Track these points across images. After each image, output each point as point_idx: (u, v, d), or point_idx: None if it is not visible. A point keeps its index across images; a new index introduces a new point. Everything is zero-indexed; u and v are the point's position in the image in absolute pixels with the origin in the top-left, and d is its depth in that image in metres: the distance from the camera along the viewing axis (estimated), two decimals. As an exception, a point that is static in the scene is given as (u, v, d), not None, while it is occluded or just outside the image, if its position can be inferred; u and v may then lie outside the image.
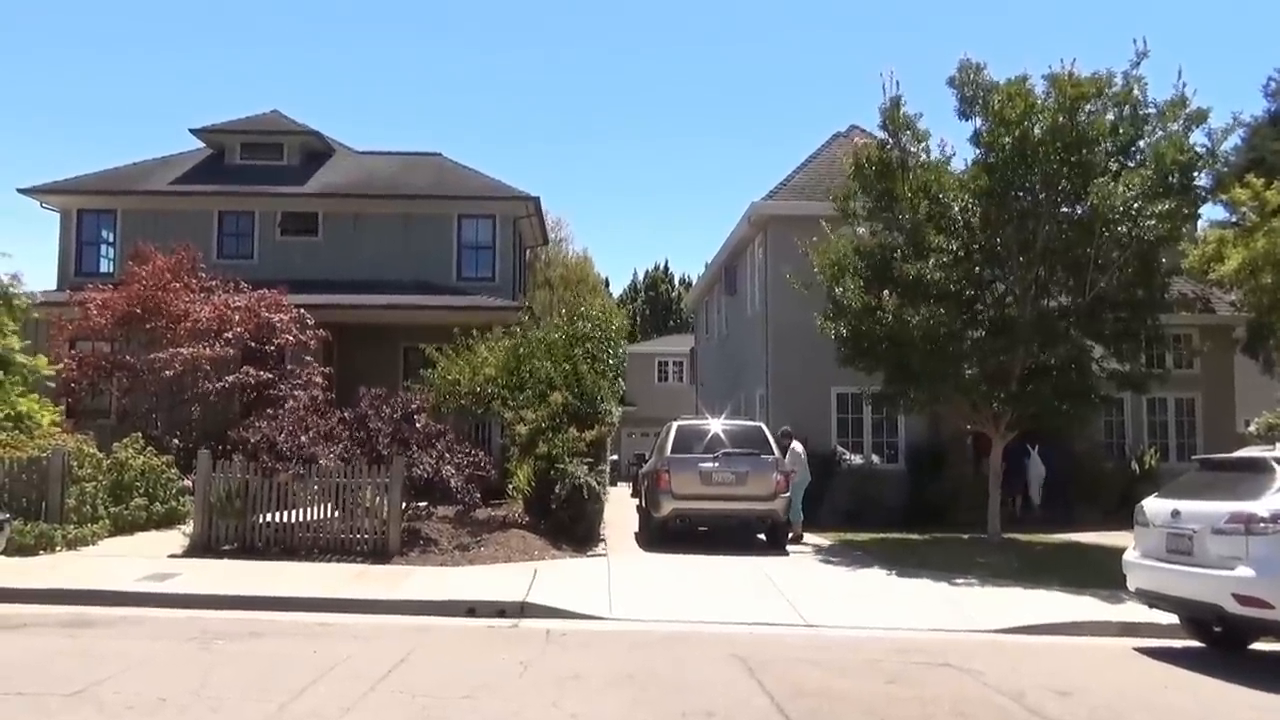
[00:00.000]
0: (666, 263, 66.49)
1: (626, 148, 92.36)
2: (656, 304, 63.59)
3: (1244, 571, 7.20)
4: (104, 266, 22.71)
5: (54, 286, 21.77)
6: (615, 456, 31.85)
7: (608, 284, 56.94)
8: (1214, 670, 7.44)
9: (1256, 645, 8.34)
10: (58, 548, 11.61)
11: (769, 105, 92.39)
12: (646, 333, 56.90)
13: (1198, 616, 8.21)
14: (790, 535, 14.87)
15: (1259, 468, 7.84)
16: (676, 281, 64.16)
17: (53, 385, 16.49)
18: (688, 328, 46.22)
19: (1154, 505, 8.49)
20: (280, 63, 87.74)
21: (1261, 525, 7.23)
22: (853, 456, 18.85)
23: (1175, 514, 8.04)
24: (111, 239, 23.00)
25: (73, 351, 17.94)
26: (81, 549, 11.81)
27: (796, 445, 15.78)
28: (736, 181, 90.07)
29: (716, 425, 15.24)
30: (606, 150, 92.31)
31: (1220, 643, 8.30)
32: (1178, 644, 8.49)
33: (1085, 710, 6.26)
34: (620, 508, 19.15)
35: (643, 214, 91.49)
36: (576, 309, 18.11)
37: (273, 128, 24.85)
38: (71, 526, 12.05)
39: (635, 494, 20.74)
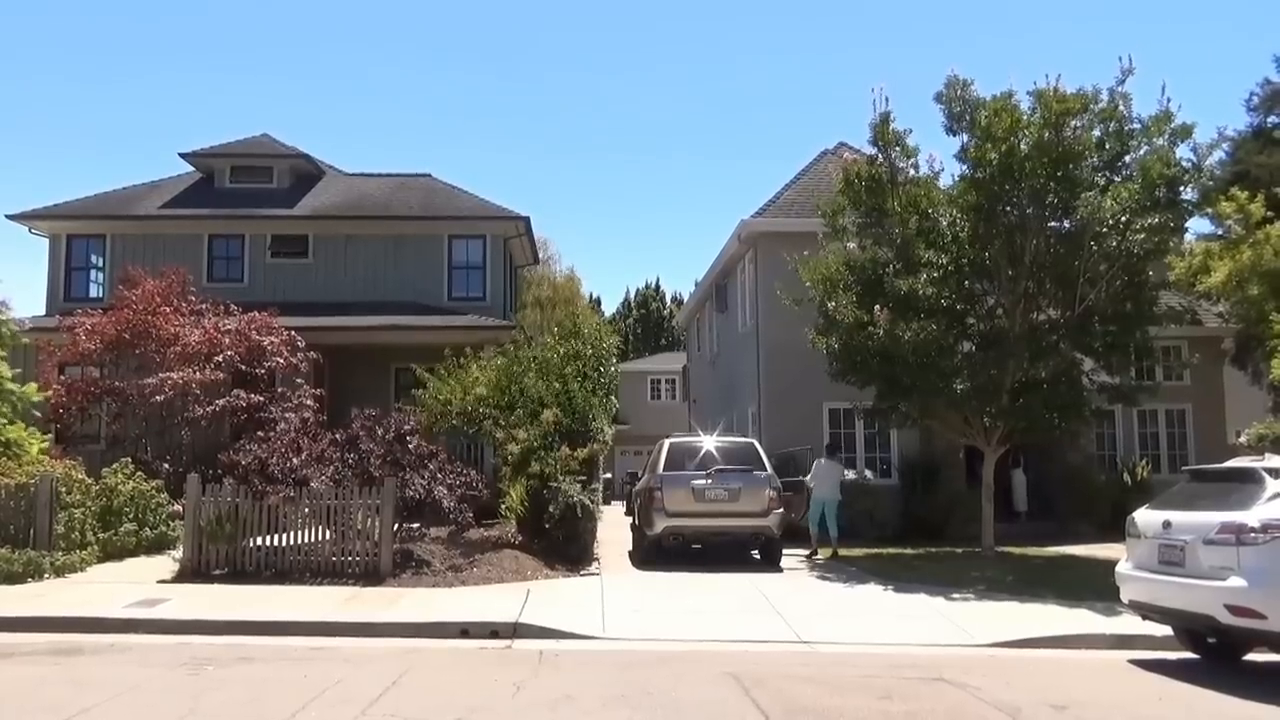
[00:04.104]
0: (658, 280, 66.73)
1: (618, 166, 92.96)
2: (648, 322, 63.67)
3: (1236, 582, 7.20)
4: (94, 291, 22.68)
5: (43, 312, 21.74)
6: (608, 475, 31.83)
7: (599, 303, 57.05)
8: (1208, 682, 7.43)
9: (1250, 656, 8.33)
10: (46, 575, 11.50)
11: (758, 123, 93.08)
12: (639, 351, 56.94)
13: (1191, 628, 8.21)
14: (811, 550, 15.59)
15: (1249, 478, 7.86)
16: (668, 299, 64.27)
17: (41, 413, 16.39)
18: (680, 345, 46.28)
19: (1146, 517, 8.49)
20: (270, 86, 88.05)
21: (1252, 535, 7.24)
22: (846, 472, 18.82)
23: (1167, 525, 8.05)
24: (101, 264, 22.96)
25: (62, 377, 17.84)
26: (70, 576, 11.70)
27: (821, 459, 16.17)
28: (727, 199, 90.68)
29: (709, 442, 15.26)
30: (598, 169, 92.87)
31: (1214, 654, 8.29)
32: (1172, 656, 8.49)
33: (1080, 724, 6.24)
34: (614, 526, 19.09)
35: (634, 232, 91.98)
36: (568, 327, 18.11)
37: (262, 151, 24.88)
38: (60, 553, 11.96)
39: (629, 512, 20.71)
